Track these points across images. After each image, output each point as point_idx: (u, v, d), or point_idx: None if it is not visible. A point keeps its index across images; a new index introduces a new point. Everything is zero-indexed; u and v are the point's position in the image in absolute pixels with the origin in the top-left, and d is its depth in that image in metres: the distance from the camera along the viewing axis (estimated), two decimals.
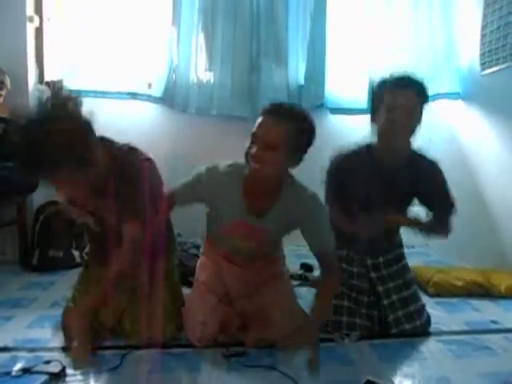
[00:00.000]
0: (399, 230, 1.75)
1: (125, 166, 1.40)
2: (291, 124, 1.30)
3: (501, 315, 1.82)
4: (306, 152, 1.39)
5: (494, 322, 1.75)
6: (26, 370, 1.30)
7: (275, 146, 1.29)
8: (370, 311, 1.63)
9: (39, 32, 2.67)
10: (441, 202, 1.62)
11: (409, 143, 1.57)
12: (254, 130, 1.34)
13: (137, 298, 1.53)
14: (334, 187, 1.63)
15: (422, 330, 1.62)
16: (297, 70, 2.86)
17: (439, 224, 1.62)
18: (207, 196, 1.49)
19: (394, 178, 1.55)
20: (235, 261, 1.59)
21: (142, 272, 1.50)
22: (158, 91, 2.72)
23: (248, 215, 1.45)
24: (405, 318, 1.60)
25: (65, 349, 1.46)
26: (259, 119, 1.35)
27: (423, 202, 1.66)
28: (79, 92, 2.67)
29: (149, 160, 1.47)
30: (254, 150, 1.32)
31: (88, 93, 2.66)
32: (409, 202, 1.66)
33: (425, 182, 1.59)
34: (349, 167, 1.59)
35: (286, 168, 1.40)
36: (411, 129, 1.51)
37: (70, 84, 2.65)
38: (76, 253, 2.49)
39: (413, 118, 1.49)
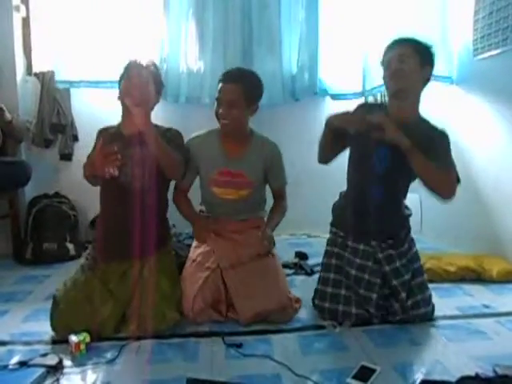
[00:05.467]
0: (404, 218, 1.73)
1: (179, 134, 1.77)
2: (240, 84, 1.68)
3: (493, 299, 1.85)
4: (258, 102, 1.76)
5: (486, 306, 1.78)
6: (22, 364, 1.31)
7: (233, 103, 1.67)
8: (367, 305, 1.61)
9: (26, 22, 2.62)
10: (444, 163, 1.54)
11: (414, 100, 1.60)
12: (217, 95, 1.71)
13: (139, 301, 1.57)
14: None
15: (425, 318, 1.62)
16: (290, 57, 2.83)
17: (442, 169, 1.51)
18: (196, 157, 1.78)
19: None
20: (226, 233, 1.78)
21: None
22: None
23: (228, 160, 1.75)
24: (411, 306, 1.60)
25: (56, 342, 1.47)
26: (219, 86, 1.71)
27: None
28: (70, 83, 2.65)
29: None
30: (219, 110, 1.70)
31: (79, 83, 2.63)
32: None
33: (429, 146, 1.52)
34: (363, 108, 1.66)
35: (247, 117, 1.76)
36: (410, 79, 1.54)
37: (61, 75, 2.62)
38: (70, 246, 2.48)
39: (409, 68, 1.53)
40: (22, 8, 2.58)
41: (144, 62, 1.69)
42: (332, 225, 1.80)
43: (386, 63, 1.57)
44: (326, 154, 1.71)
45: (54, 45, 2.61)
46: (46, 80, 2.63)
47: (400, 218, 1.72)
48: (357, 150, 1.65)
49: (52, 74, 2.63)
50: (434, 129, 1.62)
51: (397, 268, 1.62)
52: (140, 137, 1.62)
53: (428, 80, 1.61)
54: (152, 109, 1.71)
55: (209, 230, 1.79)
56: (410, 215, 1.75)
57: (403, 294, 1.59)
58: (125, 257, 1.63)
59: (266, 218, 1.90)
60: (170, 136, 1.71)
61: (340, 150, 1.70)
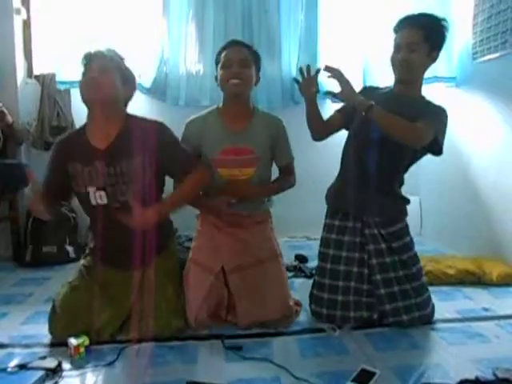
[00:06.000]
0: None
1: (164, 127, 1.56)
2: (247, 48, 1.70)
3: (493, 302, 1.85)
4: (259, 72, 1.74)
5: (485, 309, 1.78)
6: (22, 366, 1.31)
7: (245, 63, 1.65)
8: (370, 299, 1.62)
9: (26, 24, 2.63)
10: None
11: (418, 82, 1.61)
12: (225, 59, 1.66)
13: (142, 304, 1.53)
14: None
15: (420, 321, 1.61)
16: (289, 59, 2.84)
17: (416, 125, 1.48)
18: (197, 140, 1.70)
19: (402, 110, 1.50)
20: (228, 222, 1.71)
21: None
22: (147, 82, 2.70)
23: (231, 136, 1.68)
24: (404, 310, 1.59)
25: (56, 344, 1.47)
26: (224, 53, 1.67)
27: None
28: (71, 83, 2.64)
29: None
30: (232, 70, 1.63)
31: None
32: None
33: (423, 111, 1.54)
34: (371, 92, 1.66)
35: (253, 84, 1.72)
36: (418, 69, 1.57)
37: (62, 76, 2.62)
38: (70, 248, 2.48)
39: (418, 58, 1.54)
40: (23, 10, 2.59)
41: (104, 52, 1.50)
42: (326, 216, 1.76)
43: (396, 46, 1.56)
44: (316, 126, 1.66)
45: (55, 45, 2.61)
46: (46, 82, 2.64)
47: (396, 196, 1.69)
48: (355, 120, 1.63)
49: (52, 76, 2.63)
50: (433, 104, 1.63)
51: (385, 263, 1.60)
52: (118, 146, 1.47)
53: (435, 60, 1.60)
54: (126, 104, 1.57)
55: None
56: (408, 201, 1.72)
57: (382, 290, 1.59)
58: (125, 267, 1.56)
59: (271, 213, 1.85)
60: (164, 142, 1.52)
61: (333, 127, 1.69)
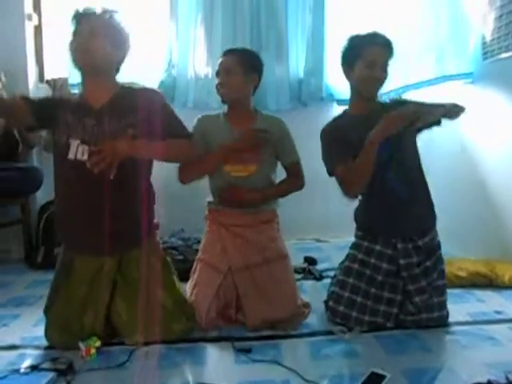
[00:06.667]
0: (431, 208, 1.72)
1: (159, 94, 1.60)
2: (236, 54, 1.75)
3: (505, 305, 1.82)
4: (257, 73, 1.76)
5: (498, 312, 1.75)
6: (33, 368, 1.32)
7: (230, 70, 1.70)
8: (389, 308, 1.61)
9: (38, 30, 2.67)
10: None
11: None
12: (217, 69, 1.75)
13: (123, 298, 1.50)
14: (329, 149, 1.65)
15: (439, 322, 1.61)
16: (297, 62, 2.85)
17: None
18: (200, 134, 1.73)
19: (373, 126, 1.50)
20: (235, 221, 1.74)
21: None
22: (154, 85, 2.71)
23: (234, 134, 1.73)
24: (425, 308, 1.59)
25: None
26: (218, 61, 1.77)
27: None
28: None
29: None
30: (219, 79, 1.73)
31: None
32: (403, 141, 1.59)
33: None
34: (333, 129, 1.67)
35: (247, 87, 1.75)
36: (383, 83, 1.64)
37: (74, 78, 2.64)
38: None
39: (387, 72, 1.62)
40: (35, 16, 2.63)
41: (95, 12, 1.42)
42: (358, 229, 1.75)
43: (370, 62, 1.56)
44: (367, 177, 1.55)
45: (67, 50, 2.64)
46: (57, 87, 2.67)
47: (429, 200, 1.71)
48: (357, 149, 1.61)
49: (64, 81, 2.67)
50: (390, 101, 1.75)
51: (416, 274, 1.60)
52: (111, 107, 1.43)
53: None
54: (118, 69, 1.52)
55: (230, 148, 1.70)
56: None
57: (417, 299, 1.58)
58: (96, 249, 1.44)
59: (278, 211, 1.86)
60: (157, 108, 1.48)
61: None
